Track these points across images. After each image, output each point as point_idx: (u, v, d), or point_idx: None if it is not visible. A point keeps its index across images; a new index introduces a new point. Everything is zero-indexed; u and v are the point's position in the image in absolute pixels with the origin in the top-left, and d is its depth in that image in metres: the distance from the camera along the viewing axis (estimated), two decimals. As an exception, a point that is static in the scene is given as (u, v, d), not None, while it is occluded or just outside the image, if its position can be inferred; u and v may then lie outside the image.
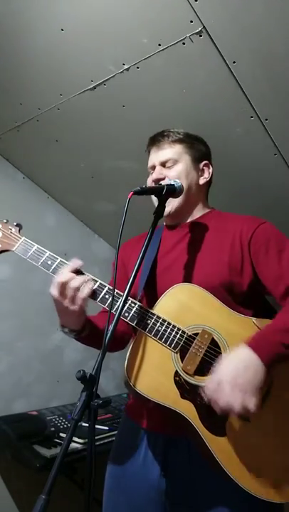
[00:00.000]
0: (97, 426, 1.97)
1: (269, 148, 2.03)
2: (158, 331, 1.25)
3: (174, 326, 1.25)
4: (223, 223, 1.45)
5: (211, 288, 1.29)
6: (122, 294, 1.21)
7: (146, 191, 1.28)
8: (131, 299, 1.28)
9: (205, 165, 1.52)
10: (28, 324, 2.57)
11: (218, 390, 1.11)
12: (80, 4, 1.70)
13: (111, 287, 1.29)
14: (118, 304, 1.19)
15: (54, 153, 2.46)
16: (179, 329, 1.25)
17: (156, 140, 1.51)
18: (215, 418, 1.17)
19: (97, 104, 2.07)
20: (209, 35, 1.67)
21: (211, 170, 1.53)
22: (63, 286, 1.23)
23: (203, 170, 1.51)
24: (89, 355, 2.67)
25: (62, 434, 2.25)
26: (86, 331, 1.36)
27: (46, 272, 1.34)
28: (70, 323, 1.33)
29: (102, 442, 2.17)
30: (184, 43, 1.72)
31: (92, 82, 1.98)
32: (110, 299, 1.27)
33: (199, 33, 1.67)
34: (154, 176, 1.47)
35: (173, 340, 1.25)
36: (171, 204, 1.43)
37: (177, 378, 1.22)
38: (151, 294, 1.38)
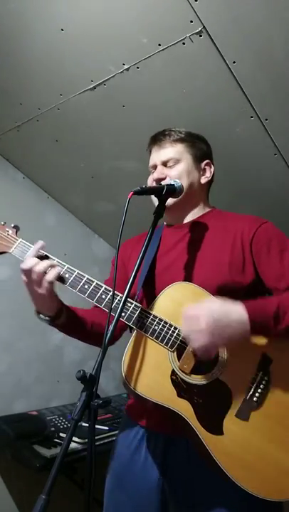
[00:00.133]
0: (97, 426, 1.97)
1: (269, 148, 2.03)
2: (154, 330, 1.25)
3: (171, 325, 1.26)
4: (224, 223, 1.45)
5: (211, 287, 1.29)
6: (117, 292, 1.23)
7: (146, 191, 1.28)
8: (128, 298, 1.28)
9: (206, 164, 1.52)
10: (28, 324, 2.57)
11: (192, 320, 1.15)
12: (80, 4, 1.70)
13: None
14: (119, 305, 1.19)
15: (54, 153, 2.46)
16: (175, 328, 1.25)
17: (157, 139, 1.50)
18: (212, 417, 1.18)
19: (97, 104, 2.07)
20: (209, 35, 1.67)
21: (212, 169, 1.53)
22: (28, 272, 1.26)
23: (204, 169, 1.51)
24: (89, 355, 2.68)
25: (62, 434, 2.25)
26: (62, 318, 1.37)
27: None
28: (43, 309, 1.34)
29: (102, 442, 2.17)
30: (184, 43, 1.72)
31: (92, 82, 1.98)
32: (110, 298, 1.27)
33: (199, 33, 1.67)
34: (156, 175, 1.46)
35: (169, 339, 1.25)
36: (170, 200, 1.43)
37: (174, 377, 1.22)
38: (150, 293, 1.38)
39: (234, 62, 1.74)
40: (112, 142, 2.27)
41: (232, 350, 1.23)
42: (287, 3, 1.54)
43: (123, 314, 1.28)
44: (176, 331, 1.25)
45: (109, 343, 1.47)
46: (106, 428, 2.31)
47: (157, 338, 1.25)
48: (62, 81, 2.02)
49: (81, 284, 1.31)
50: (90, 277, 1.32)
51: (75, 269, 1.33)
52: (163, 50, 1.77)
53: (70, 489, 2.32)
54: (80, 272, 1.33)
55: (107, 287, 1.31)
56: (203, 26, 1.65)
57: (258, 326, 1.18)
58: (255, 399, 1.20)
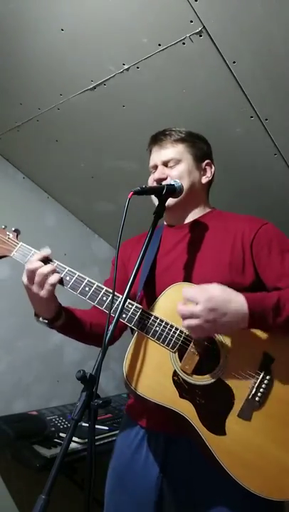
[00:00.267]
0: (97, 426, 1.97)
1: (269, 148, 2.03)
2: (156, 331, 1.25)
3: (172, 326, 1.26)
4: (224, 223, 1.44)
5: None
6: (117, 294, 1.22)
7: (146, 191, 1.28)
8: (128, 300, 1.28)
9: (207, 164, 1.52)
10: (28, 324, 2.55)
11: (191, 301, 1.15)
12: (80, 4, 1.70)
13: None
14: (118, 304, 1.19)
15: (54, 153, 2.46)
16: (176, 329, 1.25)
17: (158, 139, 1.50)
18: (214, 417, 1.18)
19: (97, 104, 2.07)
20: (209, 35, 1.67)
21: (213, 169, 1.53)
22: (33, 273, 1.27)
23: (205, 169, 1.51)
24: (89, 355, 2.68)
25: (62, 434, 2.25)
26: (61, 320, 1.38)
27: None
28: (42, 311, 1.35)
29: (102, 442, 2.17)
30: (184, 43, 1.72)
31: (92, 82, 1.98)
32: (110, 298, 1.27)
33: (199, 33, 1.67)
34: (156, 175, 1.46)
35: (171, 340, 1.25)
36: (170, 200, 1.43)
37: (176, 378, 1.22)
38: (150, 294, 1.38)
39: (234, 62, 1.74)
40: (112, 142, 2.27)
41: (232, 351, 1.23)
42: (287, 3, 1.54)
43: (124, 316, 1.28)
44: (178, 332, 1.25)
45: (109, 343, 1.48)
46: (106, 428, 2.31)
47: (158, 339, 1.25)
48: (63, 81, 2.02)
49: (82, 286, 1.32)
50: (90, 279, 1.33)
51: (75, 272, 1.34)
52: (163, 50, 1.77)
53: (70, 489, 2.32)
54: (80, 275, 1.33)
55: (108, 289, 1.31)
56: (203, 26, 1.65)
57: (257, 316, 1.17)
58: (257, 398, 1.20)
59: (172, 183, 1.39)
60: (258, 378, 1.21)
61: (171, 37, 1.72)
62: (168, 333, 1.25)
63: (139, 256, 1.23)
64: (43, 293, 1.28)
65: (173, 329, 1.25)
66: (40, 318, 1.36)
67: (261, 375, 1.21)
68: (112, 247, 3.14)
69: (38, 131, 2.31)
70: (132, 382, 1.21)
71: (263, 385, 1.21)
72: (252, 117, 1.92)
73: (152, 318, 1.27)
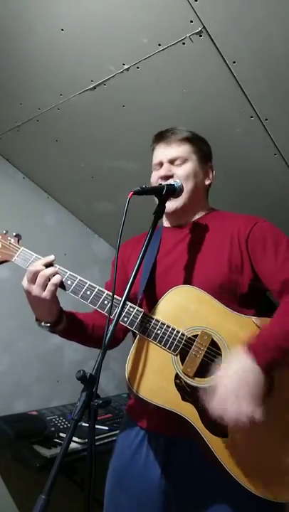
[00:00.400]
0: (97, 426, 1.97)
1: (269, 148, 2.03)
2: (157, 334, 1.25)
3: (173, 329, 1.25)
4: (222, 223, 1.45)
5: (212, 288, 1.29)
6: (118, 297, 1.22)
7: (146, 191, 1.28)
8: (129, 303, 1.28)
9: (209, 167, 1.53)
10: (28, 324, 2.53)
11: (224, 406, 1.10)
12: (80, 4, 1.70)
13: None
14: (121, 309, 1.19)
15: (54, 153, 2.46)
16: (178, 332, 1.25)
17: (164, 136, 1.49)
18: (216, 419, 1.17)
19: (97, 104, 2.07)
20: (209, 35, 1.67)
21: (214, 172, 1.54)
22: (35, 275, 1.28)
23: (207, 171, 1.52)
24: (89, 355, 2.67)
25: (62, 434, 2.25)
26: (62, 324, 1.37)
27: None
28: (44, 315, 1.34)
29: (102, 442, 2.17)
30: (184, 43, 1.72)
31: (92, 82, 1.98)
32: (110, 301, 1.27)
33: (199, 33, 1.67)
34: (163, 172, 1.45)
35: (172, 343, 1.25)
36: (178, 201, 1.43)
37: (178, 381, 1.22)
38: (151, 295, 1.38)
39: (234, 62, 1.74)
40: (112, 142, 2.27)
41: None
42: (287, 3, 1.54)
43: (126, 319, 1.28)
44: (179, 335, 1.25)
45: (112, 345, 1.48)
46: (106, 428, 2.31)
47: (160, 342, 1.25)
48: (62, 81, 2.01)
49: (83, 290, 1.32)
50: (91, 283, 1.33)
51: (76, 276, 1.33)
52: (163, 50, 1.76)
53: (70, 489, 2.32)
54: (81, 279, 1.33)
55: (110, 293, 1.31)
56: (203, 26, 1.65)
57: (275, 366, 1.16)
58: None
59: (172, 182, 1.39)
60: None
61: (171, 37, 1.72)
62: (169, 336, 1.25)
63: (139, 256, 1.23)
64: (45, 294, 1.28)
65: (174, 332, 1.25)
66: (42, 323, 1.35)
67: None
68: (112, 247, 3.14)
69: (38, 131, 2.31)
70: (134, 385, 1.21)
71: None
72: (252, 117, 1.92)
73: (154, 321, 1.26)
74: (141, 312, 1.28)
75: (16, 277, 1.41)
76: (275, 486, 1.17)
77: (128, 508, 1.35)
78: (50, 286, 1.28)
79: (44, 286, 1.28)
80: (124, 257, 1.54)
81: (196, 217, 1.50)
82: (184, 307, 1.28)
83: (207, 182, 1.52)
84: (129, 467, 1.37)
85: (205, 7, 1.59)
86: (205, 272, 1.34)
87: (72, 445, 2.05)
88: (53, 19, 1.77)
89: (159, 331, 1.25)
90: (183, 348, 1.24)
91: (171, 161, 1.46)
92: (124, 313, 1.28)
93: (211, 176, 1.53)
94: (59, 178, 2.69)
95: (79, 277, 1.33)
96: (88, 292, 1.32)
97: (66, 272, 1.34)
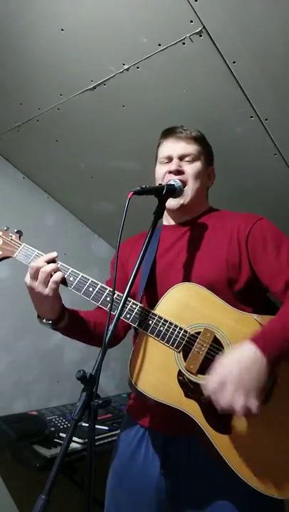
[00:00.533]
0: (97, 426, 1.97)
1: (269, 148, 2.03)
2: (160, 331, 1.26)
3: (176, 326, 1.26)
4: (221, 221, 1.45)
5: (211, 285, 1.29)
6: (120, 294, 1.22)
7: (146, 191, 1.28)
8: (132, 300, 1.29)
9: (212, 170, 1.55)
10: (28, 324, 2.56)
11: (220, 391, 1.10)
12: (80, 4, 1.70)
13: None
14: (122, 306, 1.19)
15: (54, 153, 2.46)
16: (180, 329, 1.25)
17: (175, 131, 1.49)
18: (219, 416, 1.17)
19: (97, 104, 2.07)
20: (209, 35, 1.67)
21: (214, 174, 1.56)
22: (37, 271, 1.28)
23: (210, 174, 1.54)
24: (89, 355, 2.68)
25: (62, 434, 2.25)
26: (64, 321, 1.37)
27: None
28: (46, 312, 1.34)
29: (102, 442, 2.17)
30: (184, 43, 1.72)
31: (92, 82, 1.98)
32: (110, 299, 1.27)
33: (199, 33, 1.67)
34: (173, 166, 1.44)
35: (175, 339, 1.25)
36: (184, 198, 1.43)
37: (181, 378, 1.22)
38: (151, 293, 1.38)
39: (234, 62, 1.74)
40: (113, 142, 2.27)
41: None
42: (286, 3, 1.54)
43: (128, 316, 1.29)
44: (182, 331, 1.25)
45: (113, 344, 1.49)
46: (106, 428, 2.31)
47: (163, 338, 1.25)
48: (63, 81, 2.01)
49: (85, 287, 1.32)
50: (94, 280, 1.33)
51: (79, 273, 1.34)
52: (163, 50, 1.76)
53: (70, 489, 2.32)
54: (84, 275, 1.34)
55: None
56: (203, 26, 1.65)
57: (280, 358, 1.16)
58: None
59: (172, 182, 1.39)
60: None
61: (171, 37, 1.72)
62: (172, 333, 1.25)
63: (140, 256, 1.23)
64: (47, 291, 1.28)
65: (177, 329, 1.25)
66: (44, 320, 1.35)
67: None
68: (111, 247, 3.14)
69: (38, 131, 2.31)
70: (137, 382, 1.22)
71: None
72: (252, 117, 1.92)
73: (156, 318, 1.27)
74: (144, 309, 1.29)
75: (16, 276, 1.41)
76: (278, 482, 1.17)
77: (128, 506, 1.36)
78: (51, 284, 1.28)
79: (46, 283, 1.28)
80: (123, 257, 1.54)
81: (196, 216, 1.50)
82: (185, 304, 1.28)
83: (209, 184, 1.54)
84: (129, 466, 1.37)
85: (205, 7, 1.59)
86: (203, 269, 1.34)
87: (72, 445, 2.05)
88: (54, 19, 1.77)
89: (162, 328, 1.26)
90: (186, 344, 1.24)
91: (181, 157, 1.45)
92: (126, 310, 1.29)
93: (213, 178, 1.55)
94: (59, 178, 2.69)
95: (81, 274, 1.34)
96: (91, 289, 1.32)
97: (68, 269, 1.34)
